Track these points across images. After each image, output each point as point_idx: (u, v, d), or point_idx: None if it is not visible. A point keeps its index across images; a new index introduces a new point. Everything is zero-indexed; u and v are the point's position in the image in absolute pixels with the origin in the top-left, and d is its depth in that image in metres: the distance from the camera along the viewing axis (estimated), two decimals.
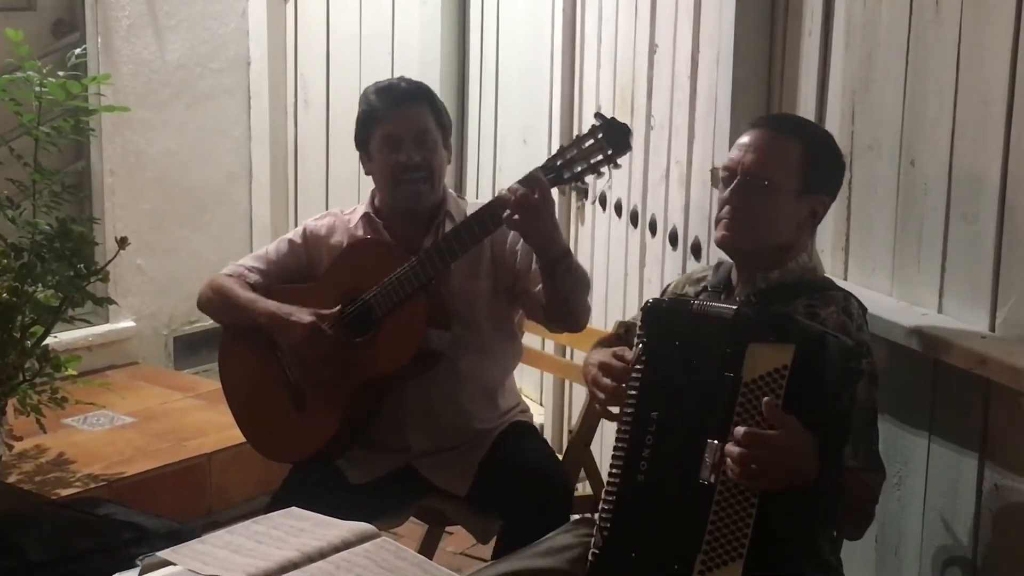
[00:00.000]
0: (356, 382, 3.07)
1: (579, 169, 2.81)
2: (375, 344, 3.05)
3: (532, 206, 2.76)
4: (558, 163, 2.83)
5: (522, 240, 3.09)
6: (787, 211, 2.48)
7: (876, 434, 2.43)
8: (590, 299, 3.08)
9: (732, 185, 2.50)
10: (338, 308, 3.06)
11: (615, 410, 2.45)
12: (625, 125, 2.80)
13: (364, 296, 3.05)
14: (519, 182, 2.81)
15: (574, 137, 2.83)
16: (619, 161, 2.82)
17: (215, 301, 3.24)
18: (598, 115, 2.82)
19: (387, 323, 3.03)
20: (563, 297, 2.96)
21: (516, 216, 2.78)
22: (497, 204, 2.85)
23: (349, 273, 3.12)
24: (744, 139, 2.54)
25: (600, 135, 2.79)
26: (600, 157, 2.80)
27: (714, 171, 2.60)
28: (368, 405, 3.12)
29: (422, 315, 3.01)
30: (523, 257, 3.10)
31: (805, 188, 2.49)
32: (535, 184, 2.78)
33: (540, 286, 3.00)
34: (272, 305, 3.13)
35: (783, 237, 2.50)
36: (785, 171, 2.48)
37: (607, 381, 2.48)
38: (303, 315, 3.06)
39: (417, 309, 3.01)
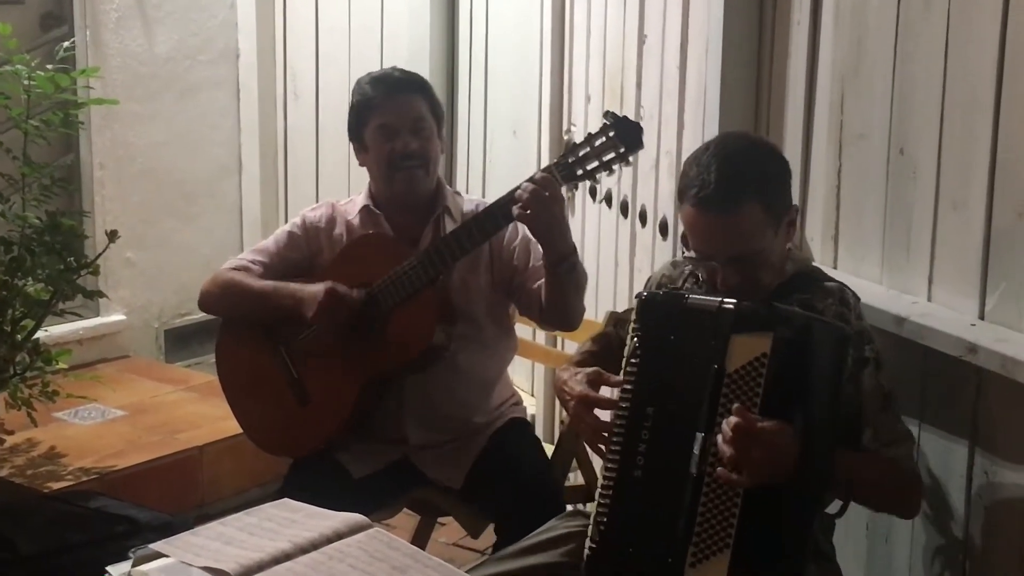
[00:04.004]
0: (363, 376, 3.07)
1: (591, 167, 2.83)
2: (383, 338, 3.05)
3: (543, 200, 2.79)
4: (570, 160, 2.84)
5: (520, 237, 3.11)
6: (776, 247, 2.44)
7: (893, 416, 2.41)
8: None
9: (718, 266, 2.40)
10: (355, 290, 3.06)
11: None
12: (637, 123, 2.81)
13: (370, 290, 3.05)
14: (529, 179, 2.84)
15: (586, 135, 2.85)
16: (630, 159, 2.84)
17: (225, 296, 3.22)
18: (608, 113, 2.82)
19: (395, 318, 3.04)
20: (563, 296, 2.98)
21: (527, 211, 2.80)
22: (507, 201, 2.87)
23: (353, 267, 3.11)
24: (698, 222, 2.40)
25: (612, 133, 2.80)
26: (612, 155, 2.81)
27: (685, 256, 2.54)
28: (372, 399, 3.12)
29: (431, 310, 3.02)
30: (521, 253, 3.12)
31: (777, 220, 2.42)
32: (545, 181, 2.81)
33: (538, 283, 3.03)
34: (293, 286, 3.12)
35: (779, 265, 2.47)
36: (760, 233, 2.38)
37: (591, 420, 2.47)
38: (321, 286, 3.04)
39: (426, 304, 3.01)
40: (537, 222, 2.84)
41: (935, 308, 2.65)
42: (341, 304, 3.03)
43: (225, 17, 5.53)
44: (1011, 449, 2.46)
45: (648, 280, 2.78)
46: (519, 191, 2.84)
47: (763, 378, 2.21)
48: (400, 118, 3.12)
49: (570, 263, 2.91)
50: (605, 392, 2.49)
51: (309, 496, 2.38)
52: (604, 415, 2.48)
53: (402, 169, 3.12)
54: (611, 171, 2.84)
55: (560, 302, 3.00)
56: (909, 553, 2.74)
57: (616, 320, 2.84)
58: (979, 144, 2.53)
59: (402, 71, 3.26)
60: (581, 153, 2.83)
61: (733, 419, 2.17)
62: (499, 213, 2.92)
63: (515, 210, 2.83)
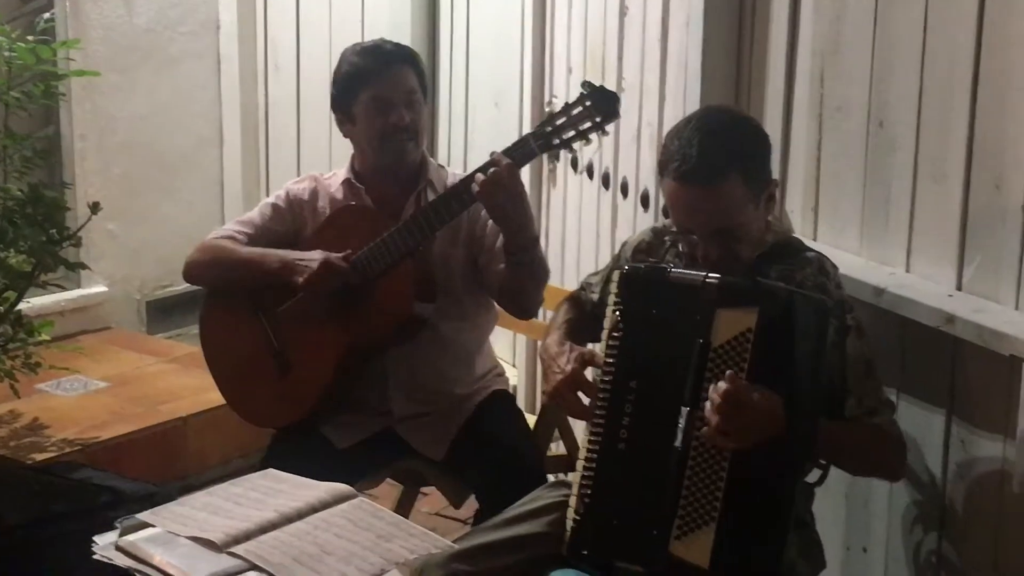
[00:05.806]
0: (343, 346, 3.08)
1: (568, 136, 2.85)
2: (364, 309, 3.06)
3: (497, 184, 2.83)
4: (548, 130, 2.86)
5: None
6: (756, 220, 2.45)
7: (876, 383, 2.44)
8: (564, 277, 3.10)
9: (698, 240, 2.42)
10: (348, 252, 3.06)
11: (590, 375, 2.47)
12: (613, 93, 2.83)
13: (352, 260, 3.06)
14: (489, 161, 2.86)
15: (563, 104, 2.87)
16: (607, 128, 2.86)
17: (213, 263, 3.22)
18: (585, 83, 2.85)
19: (375, 288, 3.04)
20: (519, 284, 3.02)
21: (481, 192, 2.85)
22: (485, 169, 2.88)
23: (334, 239, 3.12)
24: (680, 195, 2.41)
25: (588, 103, 2.83)
26: (589, 124, 2.84)
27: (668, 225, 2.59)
28: (353, 370, 3.13)
29: (411, 281, 3.03)
30: (491, 232, 3.12)
31: (758, 194, 2.43)
32: (502, 166, 2.84)
33: (501, 265, 3.04)
34: (282, 252, 3.13)
35: (759, 238, 2.48)
36: (742, 206, 2.39)
37: (575, 399, 2.49)
38: (316, 254, 3.06)
39: (406, 275, 3.02)
40: (491, 205, 2.88)
41: (913, 279, 2.68)
42: (333, 275, 3.04)
43: None
44: (987, 418, 2.49)
45: (624, 244, 2.78)
46: (478, 173, 2.87)
47: (748, 353, 2.23)
48: (395, 91, 3.12)
49: (529, 255, 2.94)
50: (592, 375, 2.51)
51: (291, 466, 2.40)
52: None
53: (393, 142, 3.13)
54: (588, 140, 2.86)
55: (514, 290, 3.04)
56: (887, 519, 2.77)
57: (583, 284, 2.86)
58: (958, 117, 2.55)
59: (392, 43, 3.24)
60: (558, 122, 2.86)
61: (723, 385, 2.18)
62: (471, 185, 2.93)
63: (473, 186, 2.86)
